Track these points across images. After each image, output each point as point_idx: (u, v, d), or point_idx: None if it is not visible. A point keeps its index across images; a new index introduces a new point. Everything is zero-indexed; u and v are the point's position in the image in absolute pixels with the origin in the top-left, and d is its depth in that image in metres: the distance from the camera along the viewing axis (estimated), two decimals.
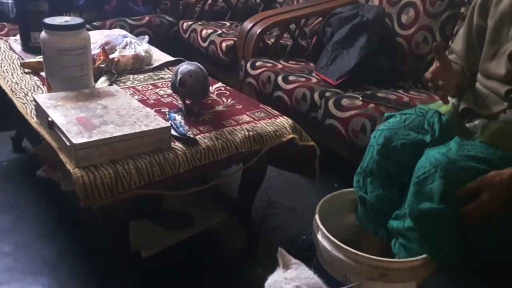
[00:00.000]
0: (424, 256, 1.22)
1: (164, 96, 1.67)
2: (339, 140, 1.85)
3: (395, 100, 1.84)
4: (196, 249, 1.66)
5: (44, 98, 1.42)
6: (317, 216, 1.36)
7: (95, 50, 1.80)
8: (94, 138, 1.21)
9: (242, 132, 1.42)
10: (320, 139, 1.84)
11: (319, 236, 1.32)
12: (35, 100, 1.42)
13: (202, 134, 1.39)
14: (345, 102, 1.82)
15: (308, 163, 1.59)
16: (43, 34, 1.50)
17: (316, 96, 1.94)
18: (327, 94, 1.91)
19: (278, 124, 1.49)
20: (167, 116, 1.46)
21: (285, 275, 1.00)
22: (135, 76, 1.82)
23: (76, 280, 1.51)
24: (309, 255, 1.43)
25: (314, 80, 2.07)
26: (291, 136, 1.47)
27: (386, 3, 2.24)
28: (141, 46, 1.92)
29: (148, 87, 1.73)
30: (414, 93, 1.99)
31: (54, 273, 1.53)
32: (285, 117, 1.54)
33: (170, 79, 1.73)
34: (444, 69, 1.30)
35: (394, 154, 1.35)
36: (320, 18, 2.52)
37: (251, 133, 1.42)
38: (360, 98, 1.83)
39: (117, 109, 1.38)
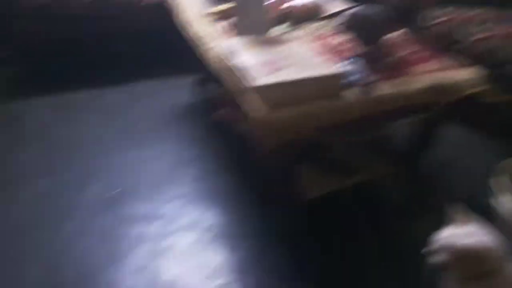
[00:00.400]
0: None
1: (342, 43, 1.66)
2: None
3: None
4: (359, 198, 1.67)
5: (232, 43, 1.53)
6: (501, 178, 1.25)
7: None
8: (275, 80, 1.28)
9: (422, 82, 1.35)
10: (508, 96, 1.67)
11: (504, 199, 1.23)
12: (222, 45, 1.54)
13: (376, 82, 1.37)
14: None
15: (492, 120, 1.46)
16: None
17: (509, 48, 1.73)
18: None
19: (464, 75, 1.38)
20: (344, 62, 1.46)
21: (462, 230, 0.96)
22: (315, 23, 1.84)
23: (248, 207, 1.68)
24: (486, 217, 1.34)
25: (502, 31, 1.85)
26: (478, 88, 1.35)
27: None
28: None
29: (327, 34, 1.74)
30: None
31: (229, 202, 1.71)
32: (473, 67, 1.42)
33: (348, 26, 1.71)
34: None
35: None
36: None
37: (430, 83, 1.35)
38: None
39: (296, 55, 1.43)
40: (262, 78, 1.28)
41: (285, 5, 1.87)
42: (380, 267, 1.44)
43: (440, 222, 1.30)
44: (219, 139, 2.09)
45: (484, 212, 1.34)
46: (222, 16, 1.91)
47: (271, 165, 1.60)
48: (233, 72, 1.44)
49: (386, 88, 1.35)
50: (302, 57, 1.41)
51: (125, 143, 2.06)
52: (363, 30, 1.52)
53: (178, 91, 2.50)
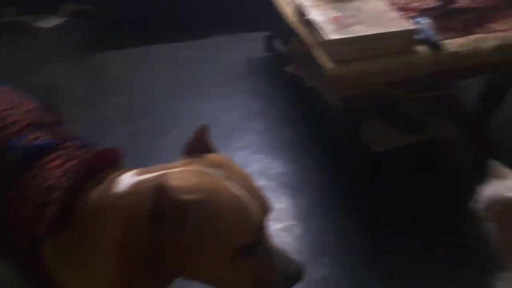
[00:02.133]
0: None
1: (414, 0, 1.66)
2: None
3: None
4: (422, 156, 1.71)
5: None
6: None
7: None
8: (348, 35, 1.33)
9: (493, 41, 1.36)
10: None
11: None
12: (296, 1, 1.60)
13: (447, 40, 1.38)
14: None
15: None
16: None
17: None
18: None
19: None
20: (415, 19, 1.48)
21: (504, 184, 1.01)
22: None
23: (313, 160, 1.77)
24: None
25: None
26: None
27: None
28: None
29: None
30: None
31: (296, 152, 1.81)
32: None
33: None
34: None
35: None
36: None
37: (502, 42, 1.35)
38: None
39: (367, 11, 1.46)
40: (333, 33, 1.34)
41: None
42: (435, 219, 1.49)
43: None
44: (289, 92, 2.17)
45: None
46: None
47: (340, 119, 1.67)
48: (307, 27, 1.50)
49: (457, 46, 1.36)
50: (374, 13, 1.45)
51: (198, 95, 2.19)
52: None
53: (251, 46, 2.58)
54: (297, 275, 0.70)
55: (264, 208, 0.73)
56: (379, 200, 1.56)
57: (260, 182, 1.67)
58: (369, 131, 1.64)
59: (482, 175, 1.62)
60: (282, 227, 1.50)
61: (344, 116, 1.54)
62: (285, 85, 2.20)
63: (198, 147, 0.79)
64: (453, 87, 1.75)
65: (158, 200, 0.63)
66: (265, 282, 0.69)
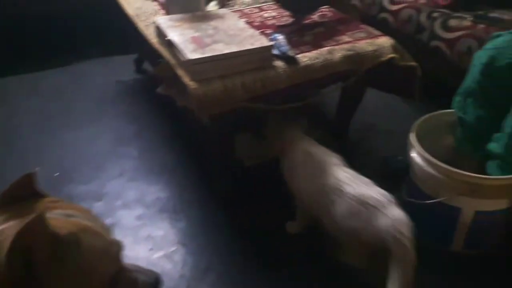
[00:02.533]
0: None
1: (269, 18, 1.75)
2: (443, 63, 1.82)
3: (509, 21, 1.73)
4: None
5: (164, 20, 1.58)
6: (413, 134, 1.40)
7: None
8: (206, 54, 1.35)
9: (341, 52, 1.47)
10: (424, 63, 1.82)
11: (413, 153, 1.37)
12: (156, 23, 1.59)
13: (302, 54, 1.47)
14: (452, 22, 1.76)
15: (409, 84, 1.60)
16: None
17: (422, 17, 1.89)
18: (435, 14, 1.85)
19: (378, 44, 1.51)
20: (271, 36, 1.55)
21: None
22: (243, 0, 1.91)
23: (190, 180, 1.74)
24: (403, 174, 1.49)
25: (422, 0, 2.00)
26: (390, 55, 1.49)
27: None
28: None
29: (254, 10, 1.83)
30: None
31: (173, 174, 1.78)
32: (386, 37, 1.55)
33: (274, 3, 1.81)
34: None
35: (498, 74, 1.32)
36: None
37: (350, 52, 1.47)
38: (470, 19, 1.75)
39: (226, 30, 1.50)
40: (192, 53, 1.35)
41: None
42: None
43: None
44: (161, 114, 2.13)
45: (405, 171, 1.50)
46: None
47: (209, 136, 1.68)
48: (168, 48, 1.49)
49: (311, 58, 1.45)
50: (232, 31, 1.49)
51: (65, 125, 2.07)
52: (292, 3, 1.62)
53: (120, 69, 2.51)
54: (157, 281, 0.83)
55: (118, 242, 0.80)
56: (258, 213, 1.59)
57: (138, 211, 1.62)
58: (240, 146, 1.68)
59: None
60: (164, 255, 1.46)
61: (213, 134, 1.55)
62: (157, 106, 2.16)
63: (22, 194, 0.74)
64: (315, 96, 1.86)
65: (32, 233, 0.62)
66: None
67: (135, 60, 2.50)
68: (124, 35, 2.13)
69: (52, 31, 2.59)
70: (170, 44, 1.48)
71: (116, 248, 0.77)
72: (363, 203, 1.14)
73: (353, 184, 1.20)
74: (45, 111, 2.16)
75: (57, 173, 1.79)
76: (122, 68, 2.51)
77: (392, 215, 1.11)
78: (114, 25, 2.16)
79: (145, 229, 1.55)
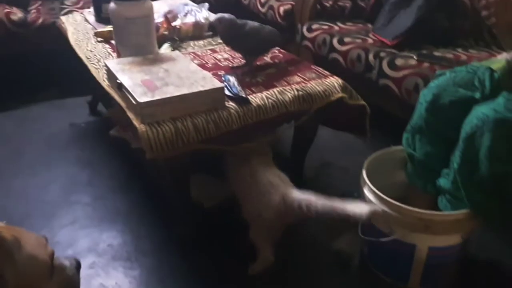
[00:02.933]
0: (468, 210, 1.25)
1: (222, 60, 1.77)
2: (393, 100, 1.87)
3: (452, 59, 1.82)
4: None
5: (114, 63, 1.57)
6: (364, 172, 1.42)
7: (158, 18, 1.92)
8: (157, 97, 1.34)
9: (292, 92, 1.49)
10: (375, 100, 1.88)
11: (366, 190, 1.39)
12: (106, 65, 1.57)
13: (254, 94, 1.49)
14: (399, 61, 1.83)
15: (360, 123, 1.63)
16: (112, 5, 1.64)
17: (370, 56, 1.95)
18: (382, 54, 1.92)
19: (328, 84, 1.54)
20: (222, 78, 1.56)
21: None
22: (195, 42, 1.93)
23: (146, 226, 1.69)
24: None
25: (370, 41, 2.08)
26: (340, 95, 1.52)
27: None
28: (201, 13, 2.02)
29: (207, 52, 1.84)
30: (474, 51, 1.94)
31: (126, 221, 1.72)
32: (335, 77, 1.59)
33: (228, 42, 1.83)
34: (503, 3, 1.27)
35: (442, 111, 1.36)
36: None
37: (300, 92, 1.49)
38: (415, 58, 1.82)
39: (177, 72, 1.50)
40: (142, 96, 1.34)
41: (173, 23, 1.94)
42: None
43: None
44: (115, 157, 2.08)
45: None
46: (106, 37, 1.94)
47: (165, 179, 1.65)
48: (119, 90, 1.47)
49: (263, 99, 1.46)
50: (184, 73, 1.49)
51: (12, 172, 1.99)
52: (244, 46, 1.64)
53: (73, 112, 2.46)
54: (78, 263, 1.08)
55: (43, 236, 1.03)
56: (218, 259, 1.55)
57: (89, 259, 1.55)
58: (197, 187, 1.65)
59: None
60: None
61: (168, 176, 1.53)
62: (111, 150, 2.11)
63: None
64: (271, 134, 1.87)
65: None
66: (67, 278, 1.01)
67: (89, 102, 2.46)
68: (78, 76, 2.09)
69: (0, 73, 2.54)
70: (120, 87, 1.46)
71: (45, 240, 0.98)
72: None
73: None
74: None
75: (4, 221, 1.69)
76: (75, 110, 2.46)
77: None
78: (68, 66, 2.13)
79: (97, 278, 1.48)
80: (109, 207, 1.80)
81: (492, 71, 1.34)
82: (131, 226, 1.70)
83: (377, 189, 1.34)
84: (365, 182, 1.38)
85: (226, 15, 1.60)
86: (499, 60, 1.39)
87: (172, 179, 1.54)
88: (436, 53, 1.88)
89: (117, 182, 1.93)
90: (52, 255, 0.97)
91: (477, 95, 1.33)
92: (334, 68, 1.89)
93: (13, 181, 1.93)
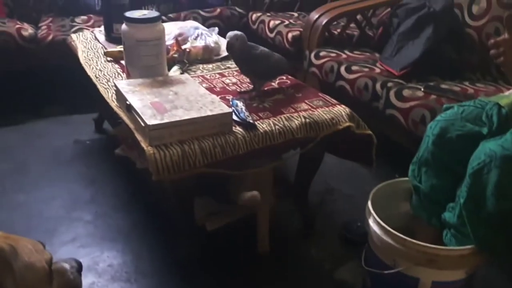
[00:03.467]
0: (473, 245, 1.24)
1: (230, 84, 1.78)
2: (399, 130, 1.87)
3: (459, 92, 1.83)
4: (255, 227, 1.76)
5: (124, 84, 1.58)
6: (369, 202, 1.41)
7: (169, 41, 1.94)
8: (166, 120, 1.35)
9: (299, 119, 1.50)
10: (381, 129, 1.89)
11: (371, 221, 1.38)
12: (115, 86, 1.58)
13: (261, 120, 1.49)
14: (406, 92, 1.84)
15: (366, 152, 1.63)
16: (123, 26, 1.66)
17: (378, 86, 1.96)
18: (389, 84, 1.93)
19: (335, 112, 1.55)
20: (230, 102, 1.57)
21: None
22: (204, 65, 1.95)
23: (147, 247, 1.68)
24: (362, 241, 1.49)
25: (377, 70, 2.09)
26: (347, 124, 1.52)
27: None
28: (211, 37, 2.05)
29: (215, 75, 1.86)
30: (481, 85, 1.95)
31: (128, 240, 1.71)
32: (342, 105, 1.60)
33: (235, 68, 1.84)
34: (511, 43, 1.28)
35: (449, 145, 1.36)
36: (389, 9, 2.51)
37: (307, 120, 1.50)
38: (422, 89, 1.83)
39: (186, 96, 1.51)
40: (151, 118, 1.34)
41: (183, 46, 1.96)
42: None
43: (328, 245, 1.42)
44: (119, 176, 2.09)
45: (364, 236, 1.50)
46: (116, 57, 1.96)
47: (170, 201, 1.65)
48: (127, 111, 1.48)
49: (270, 125, 1.47)
50: (193, 97, 1.50)
51: (16, 186, 1.99)
52: (254, 68, 1.66)
53: (79, 128, 2.47)
54: (79, 264, 1.05)
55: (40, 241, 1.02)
56: (221, 282, 1.54)
57: (89, 279, 1.54)
58: (201, 210, 1.64)
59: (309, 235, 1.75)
60: None
61: (172, 198, 1.52)
62: (115, 168, 2.12)
63: None
64: (276, 160, 1.87)
65: None
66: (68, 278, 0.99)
67: (95, 119, 2.47)
68: (85, 93, 2.11)
69: (7, 88, 2.56)
70: (129, 108, 1.47)
71: (42, 246, 0.97)
72: None
73: None
74: None
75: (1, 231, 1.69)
76: (81, 127, 2.48)
77: None
78: (75, 83, 2.15)
79: None
80: (111, 225, 1.79)
81: (500, 106, 1.35)
82: (132, 246, 1.69)
83: (381, 219, 1.34)
84: (370, 213, 1.38)
85: (240, 33, 1.61)
86: (507, 95, 1.40)
87: (176, 201, 1.54)
88: (443, 86, 1.89)
89: (120, 200, 1.93)
90: (50, 260, 0.97)
91: (485, 130, 1.33)
92: (340, 96, 1.90)
93: (17, 195, 1.93)
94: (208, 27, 2.34)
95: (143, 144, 1.36)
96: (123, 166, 2.04)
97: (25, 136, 2.39)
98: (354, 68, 2.12)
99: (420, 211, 1.46)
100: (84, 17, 2.80)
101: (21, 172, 2.10)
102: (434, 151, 1.39)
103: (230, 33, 1.59)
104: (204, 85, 1.73)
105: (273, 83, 1.78)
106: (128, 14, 1.66)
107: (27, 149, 2.28)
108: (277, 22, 2.77)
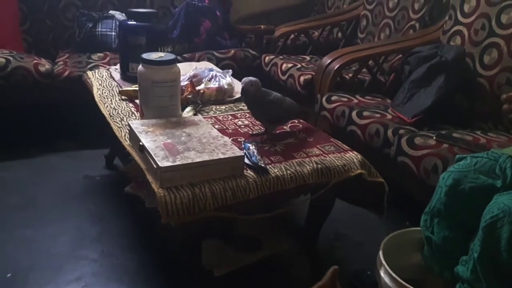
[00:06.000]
0: None
1: (242, 126, 1.79)
2: (411, 178, 1.86)
3: (471, 142, 1.82)
4: (264, 272, 1.73)
5: (137, 124, 1.60)
6: (381, 253, 1.38)
7: (184, 82, 1.98)
8: (178, 162, 1.35)
9: (311, 165, 1.50)
10: (392, 176, 1.87)
11: (382, 272, 1.35)
12: (129, 125, 1.60)
13: (272, 164, 1.49)
14: (418, 140, 1.83)
15: (377, 199, 1.62)
16: (140, 67, 1.69)
17: (389, 132, 1.96)
18: (401, 131, 1.93)
19: (347, 159, 1.55)
20: (242, 145, 1.57)
21: None
22: (218, 107, 1.97)
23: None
24: None
25: (389, 116, 2.10)
26: (359, 171, 1.52)
27: (468, 43, 2.22)
28: (225, 79, 2.08)
29: (228, 117, 1.87)
30: (493, 135, 1.95)
31: (134, 282, 1.68)
32: (354, 152, 1.60)
33: (248, 111, 1.86)
34: None
35: (462, 197, 1.34)
36: (400, 55, 2.55)
37: (319, 166, 1.50)
38: (434, 138, 1.83)
39: (199, 137, 1.52)
40: (163, 160, 1.35)
41: (198, 87, 1.99)
42: None
43: None
44: (128, 214, 2.07)
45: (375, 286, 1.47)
46: (131, 96, 1.99)
47: (178, 243, 1.63)
48: (140, 151, 1.49)
49: (281, 169, 1.47)
50: (205, 139, 1.51)
51: (23, 221, 1.98)
52: (267, 113, 1.67)
53: (89, 164, 2.48)
54: None
55: None
56: None
57: None
58: (209, 256, 1.62)
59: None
60: None
61: (180, 241, 1.51)
62: (124, 206, 2.11)
63: None
64: (285, 205, 1.86)
65: None
66: None
67: (106, 156, 2.48)
68: (97, 129, 2.13)
69: (20, 121, 2.59)
70: (142, 149, 1.47)
71: None
72: None
73: None
74: (3, 205, 2.08)
75: (9, 274, 1.67)
76: (91, 163, 2.48)
77: None
78: (88, 118, 2.17)
79: None
80: (117, 265, 1.77)
81: None
82: (139, 287, 1.66)
83: (392, 269, 1.31)
84: (381, 264, 1.35)
85: (254, 79, 1.63)
86: None
87: (184, 244, 1.52)
88: (455, 134, 1.89)
89: (127, 240, 1.91)
90: None
91: (499, 183, 1.32)
92: (351, 141, 1.91)
93: (23, 230, 1.92)
94: (222, 68, 2.38)
95: (154, 186, 1.36)
96: (132, 204, 2.03)
97: (36, 170, 2.41)
98: (365, 113, 2.13)
99: (432, 263, 1.43)
100: (101, 54, 2.86)
101: (29, 206, 2.10)
102: (446, 202, 1.37)
103: (246, 79, 1.62)
104: (217, 126, 1.74)
105: (285, 127, 1.79)
106: (145, 55, 1.69)
107: (37, 183, 2.29)
108: (290, 65, 2.82)
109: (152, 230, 1.93)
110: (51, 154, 2.56)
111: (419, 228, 1.48)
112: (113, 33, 2.98)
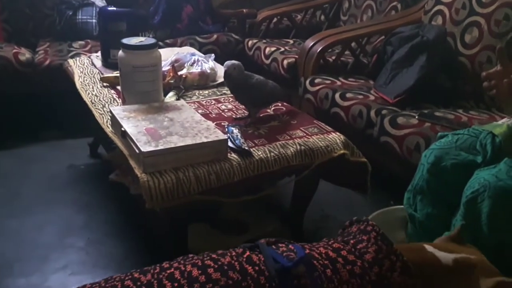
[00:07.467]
0: None
1: (225, 110, 1.79)
2: (393, 157, 1.88)
3: (453, 120, 1.84)
4: None
5: (119, 110, 1.58)
6: None
7: (165, 67, 1.96)
8: (160, 147, 1.35)
9: (294, 146, 1.50)
10: (376, 156, 1.88)
11: None
12: (111, 112, 1.59)
13: (256, 147, 1.49)
14: (401, 120, 1.85)
15: (360, 179, 1.63)
16: (120, 52, 1.68)
17: (372, 113, 1.98)
18: (384, 111, 1.94)
19: (330, 140, 1.55)
20: (226, 129, 1.57)
21: None
22: (200, 92, 1.96)
23: None
24: None
25: (371, 97, 2.11)
26: (342, 151, 1.53)
27: (449, 23, 2.23)
28: (207, 63, 2.06)
29: (211, 102, 1.86)
30: (474, 113, 1.97)
31: (120, 268, 1.67)
32: (337, 133, 1.61)
33: (231, 95, 1.85)
34: (503, 75, 1.30)
35: (444, 173, 1.36)
36: (383, 37, 2.55)
37: (302, 147, 1.50)
38: (416, 117, 1.85)
39: (181, 122, 1.52)
40: (146, 145, 1.34)
41: (180, 72, 1.98)
42: None
43: None
44: (111, 203, 2.06)
45: None
46: (113, 82, 1.97)
47: (164, 228, 1.63)
48: (122, 137, 1.48)
49: (265, 152, 1.47)
50: (188, 123, 1.50)
51: (7, 211, 1.96)
52: (249, 96, 1.67)
53: (73, 153, 2.46)
54: None
55: None
56: None
57: None
58: (195, 239, 1.62)
59: None
60: None
61: (166, 225, 1.51)
62: (109, 193, 2.10)
63: None
64: (270, 187, 1.87)
65: None
66: None
67: (90, 144, 2.46)
68: (80, 118, 2.11)
69: (2, 112, 2.55)
70: (124, 135, 1.47)
71: None
72: None
73: None
74: None
75: None
76: (76, 152, 2.46)
77: None
78: (71, 107, 2.14)
79: None
80: (103, 252, 1.76)
81: (493, 136, 1.36)
82: (126, 273, 1.66)
83: None
84: None
85: (237, 62, 1.62)
86: (501, 124, 1.41)
87: (170, 228, 1.53)
88: (437, 113, 1.91)
89: (113, 227, 1.91)
90: None
91: (479, 159, 1.34)
92: (335, 122, 1.91)
93: (9, 221, 1.91)
94: (204, 53, 2.36)
95: (137, 171, 1.35)
96: (117, 191, 2.02)
97: (20, 160, 2.38)
98: (348, 95, 2.13)
99: (416, 240, 1.45)
100: (82, 42, 2.82)
101: (14, 197, 2.08)
102: (429, 179, 1.39)
103: (228, 63, 1.61)
104: (200, 111, 1.74)
105: (268, 110, 1.79)
106: (125, 40, 1.67)
107: (21, 174, 2.26)
108: (273, 49, 2.81)
109: (138, 216, 1.92)
110: (34, 145, 2.53)
111: (402, 206, 1.50)
112: (93, 21, 2.93)
